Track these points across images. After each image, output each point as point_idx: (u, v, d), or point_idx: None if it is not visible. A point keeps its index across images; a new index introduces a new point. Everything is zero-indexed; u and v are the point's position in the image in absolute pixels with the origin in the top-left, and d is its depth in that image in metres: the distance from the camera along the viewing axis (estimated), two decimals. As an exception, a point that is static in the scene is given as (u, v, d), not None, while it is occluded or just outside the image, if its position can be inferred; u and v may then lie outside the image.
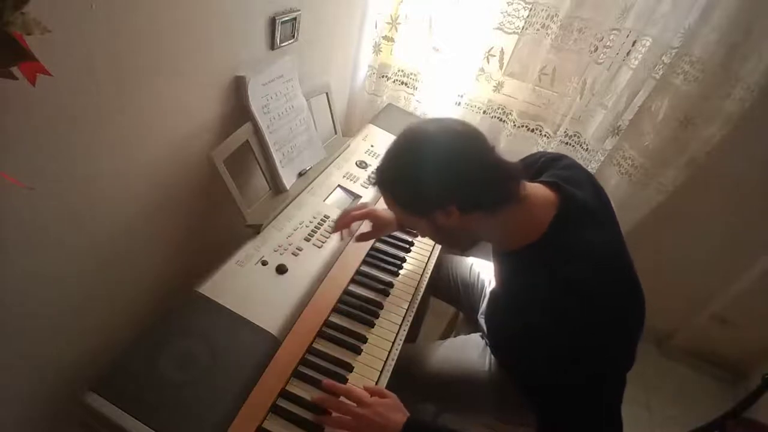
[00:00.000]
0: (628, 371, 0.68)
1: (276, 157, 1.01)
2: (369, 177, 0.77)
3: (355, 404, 0.74)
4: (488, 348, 0.99)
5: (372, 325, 0.89)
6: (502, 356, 0.94)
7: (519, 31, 1.38)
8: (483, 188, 0.67)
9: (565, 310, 0.63)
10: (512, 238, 0.72)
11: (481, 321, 1.06)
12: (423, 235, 0.82)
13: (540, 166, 0.82)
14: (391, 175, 0.72)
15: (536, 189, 0.72)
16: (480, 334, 1.04)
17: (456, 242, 0.80)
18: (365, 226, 1.03)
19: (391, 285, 0.99)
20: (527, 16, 1.34)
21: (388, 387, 0.81)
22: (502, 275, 0.83)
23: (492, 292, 0.98)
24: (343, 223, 0.97)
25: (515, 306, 0.76)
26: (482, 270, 1.22)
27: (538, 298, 0.67)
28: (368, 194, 1.16)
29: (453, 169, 0.66)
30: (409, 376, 0.96)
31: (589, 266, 0.65)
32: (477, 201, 0.67)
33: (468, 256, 0.81)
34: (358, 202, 1.08)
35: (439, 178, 0.66)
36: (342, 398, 0.75)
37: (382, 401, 0.74)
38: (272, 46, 1.00)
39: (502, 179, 0.67)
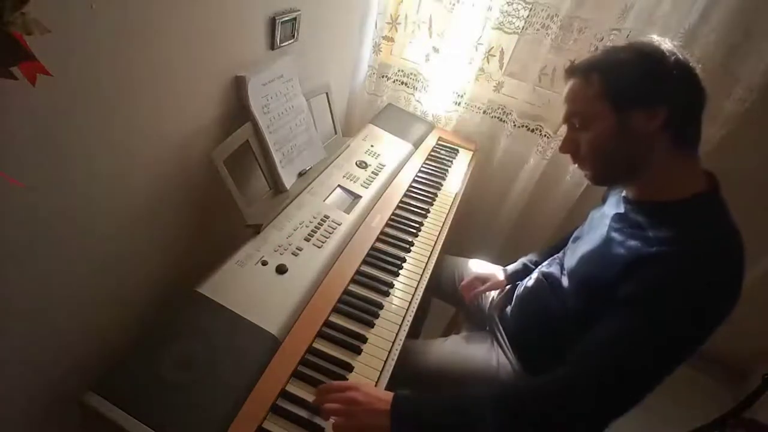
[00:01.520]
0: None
1: (276, 157, 1.01)
2: (577, 62, 0.78)
3: (341, 391, 0.72)
4: (496, 345, 0.99)
5: (372, 325, 0.89)
6: (527, 339, 0.93)
7: (519, 31, 1.38)
8: (698, 112, 0.70)
9: (680, 276, 0.63)
10: (664, 187, 0.73)
11: (494, 314, 1.05)
12: (579, 141, 0.76)
13: None
14: (622, 58, 0.72)
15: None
16: (492, 331, 1.04)
17: (615, 160, 0.74)
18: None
19: (391, 285, 0.99)
20: (527, 16, 1.34)
21: (388, 387, 0.80)
22: (606, 225, 0.80)
23: (547, 266, 0.97)
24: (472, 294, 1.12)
25: (607, 262, 0.74)
26: (484, 270, 1.22)
27: (650, 252, 0.66)
28: (368, 194, 1.16)
29: (690, 79, 0.69)
30: (412, 370, 0.96)
31: (741, 246, 0.67)
32: (687, 120, 0.70)
33: (603, 184, 0.83)
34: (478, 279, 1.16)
35: (675, 77, 0.68)
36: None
37: (367, 383, 0.75)
38: (272, 46, 1.00)
39: (700, 123, 0.71)
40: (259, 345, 0.75)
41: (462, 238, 1.58)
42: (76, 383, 0.79)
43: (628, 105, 0.70)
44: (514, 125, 1.50)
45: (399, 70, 1.60)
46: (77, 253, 0.74)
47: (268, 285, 0.85)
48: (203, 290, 0.79)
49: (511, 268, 1.14)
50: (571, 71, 0.77)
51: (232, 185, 0.88)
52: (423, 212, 1.23)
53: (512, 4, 1.34)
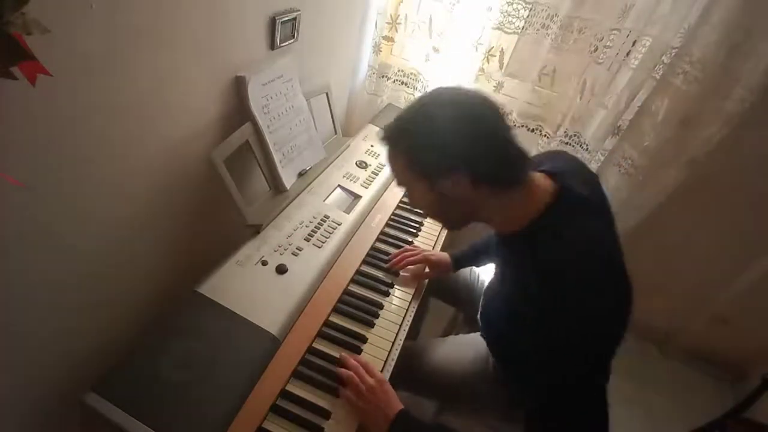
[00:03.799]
0: (610, 357, 0.66)
1: (276, 157, 1.01)
2: (380, 133, 0.75)
3: (371, 375, 0.78)
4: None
5: (372, 325, 0.89)
6: (494, 349, 0.93)
7: (519, 31, 1.38)
8: (501, 161, 0.68)
9: (547, 297, 0.62)
10: (510, 221, 0.72)
11: (480, 319, 1.05)
12: (416, 204, 0.79)
13: (539, 160, 0.82)
14: (410, 129, 0.70)
15: (537, 176, 0.73)
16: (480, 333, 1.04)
17: (450, 215, 0.77)
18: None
19: (391, 285, 0.99)
20: (527, 16, 1.34)
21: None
22: (498, 261, 0.83)
23: (490, 281, 0.98)
24: (399, 264, 1.04)
25: (506, 292, 0.76)
26: (483, 271, 1.22)
27: (523, 283, 0.68)
28: (368, 194, 1.16)
29: (478, 133, 0.66)
30: (411, 370, 0.96)
31: (571, 252, 0.64)
32: (492, 173, 0.67)
33: (457, 230, 0.82)
34: (410, 247, 1.11)
35: (463, 138, 0.65)
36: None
37: (389, 388, 0.78)
38: (272, 46, 1.00)
39: (517, 156, 0.69)
40: (259, 345, 0.75)
41: (462, 238, 1.58)
42: (76, 383, 0.79)
43: (431, 176, 0.69)
44: (514, 125, 1.50)
45: (399, 70, 1.60)
46: (77, 253, 0.74)
47: (268, 285, 0.85)
48: (203, 290, 0.79)
49: (458, 253, 1.12)
50: (382, 139, 0.75)
51: (232, 185, 0.88)
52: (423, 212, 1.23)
53: (512, 4, 1.34)
